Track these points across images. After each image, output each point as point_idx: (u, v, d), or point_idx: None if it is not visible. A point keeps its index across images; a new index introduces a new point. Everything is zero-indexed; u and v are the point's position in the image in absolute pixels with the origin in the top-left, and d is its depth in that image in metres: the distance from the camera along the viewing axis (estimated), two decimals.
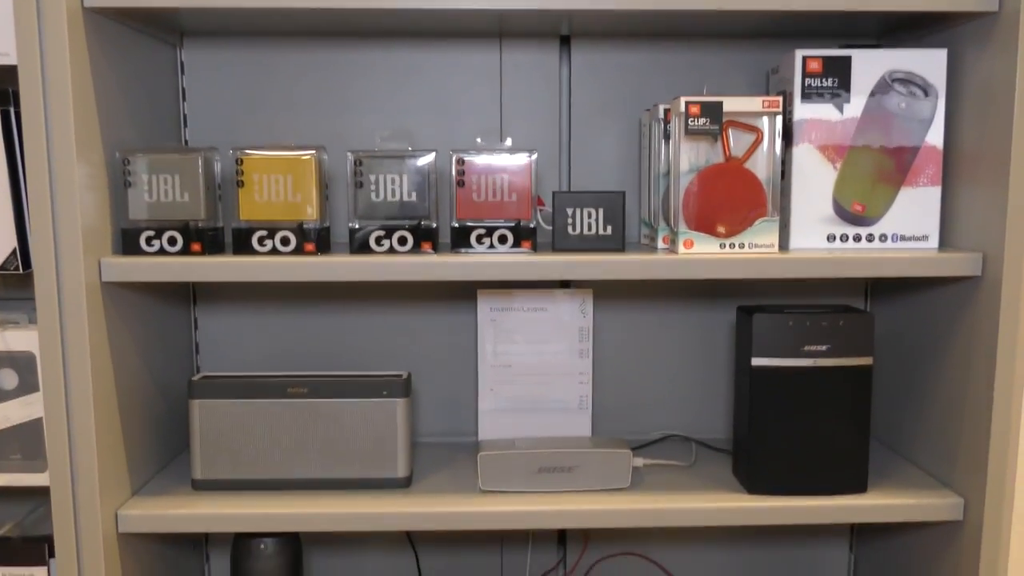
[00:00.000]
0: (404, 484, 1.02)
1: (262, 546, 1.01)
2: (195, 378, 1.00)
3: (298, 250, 0.95)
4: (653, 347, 1.23)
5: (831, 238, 1.02)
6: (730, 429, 1.26)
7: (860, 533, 1.27)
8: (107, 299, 0.93)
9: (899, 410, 1.15)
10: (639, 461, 1.07)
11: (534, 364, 1.14)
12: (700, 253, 0.96)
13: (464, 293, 1.21)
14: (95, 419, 0.90)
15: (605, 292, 1.22)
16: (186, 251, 0.94)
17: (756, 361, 0.98)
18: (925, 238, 1.02)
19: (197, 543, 1.23)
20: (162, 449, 1.10)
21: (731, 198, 0.97)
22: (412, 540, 1.25)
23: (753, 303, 1.04)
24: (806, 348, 0.98)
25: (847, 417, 0.99)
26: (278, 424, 1.00)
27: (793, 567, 1.29)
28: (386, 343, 1.22)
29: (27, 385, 0.95)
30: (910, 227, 1.02)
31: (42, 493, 1.14)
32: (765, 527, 1.28)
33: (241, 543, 1.02)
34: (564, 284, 1.20)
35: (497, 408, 1.15)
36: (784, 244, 1.02)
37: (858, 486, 1.01)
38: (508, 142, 1.19)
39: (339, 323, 1.21)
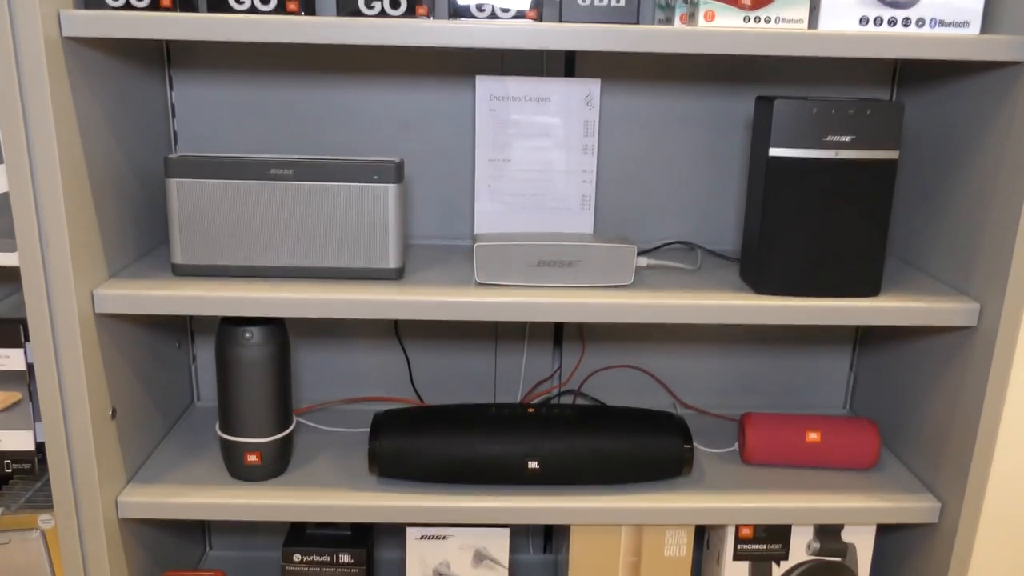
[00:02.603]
0: (395, 276, 0.97)
1: (247, 334, 0.97)
2: (172, 156, 0.93)
3: (280, 9, 0.86)
4: (663, 146, 1.16)
5: (864, 21, 0.93)
6: (740, 240, 1.21)
7: (864, 345, 1.24)
8: (70, 58, 0.85)
9: (915, 218, 1.10)
10: (643, 261, 1.02)
11: (535, 160, 1.07)
12: (722, 26, 0.87)
13: (461, 78, 1.13)
14: (63, 192, 0.84)
15: (614, 81, 1.13)
16: (155, 6, 0.86)
17: (774, 152, 0.92)
18: (966, 24, 0.93)
19: (182, 338, 1.20)
20: (142, 237, 1.04)
21: None
22: (401, 339, 1.22)
23: (772, 95, 0.96)
24: (829, 138, 0.91)
25: (866, 215, 0.93)
26: (261, 208, 0.94)
27: (791, 381, 1.27)
28: (377, 136, 1.15)
29: None
30: (951, 12, 0.93)
31: (17, 276, 1.10)
32: (767, 338, 1.24)
33: (225, 331, 0.98)
34: (569, 72, 1.11)
35: (494, 206, 1.09)
36: (813, 24, 0.93)
37: (871, 289, 0.96)
38: None
39: (327, 110, 1.13)
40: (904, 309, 0.95)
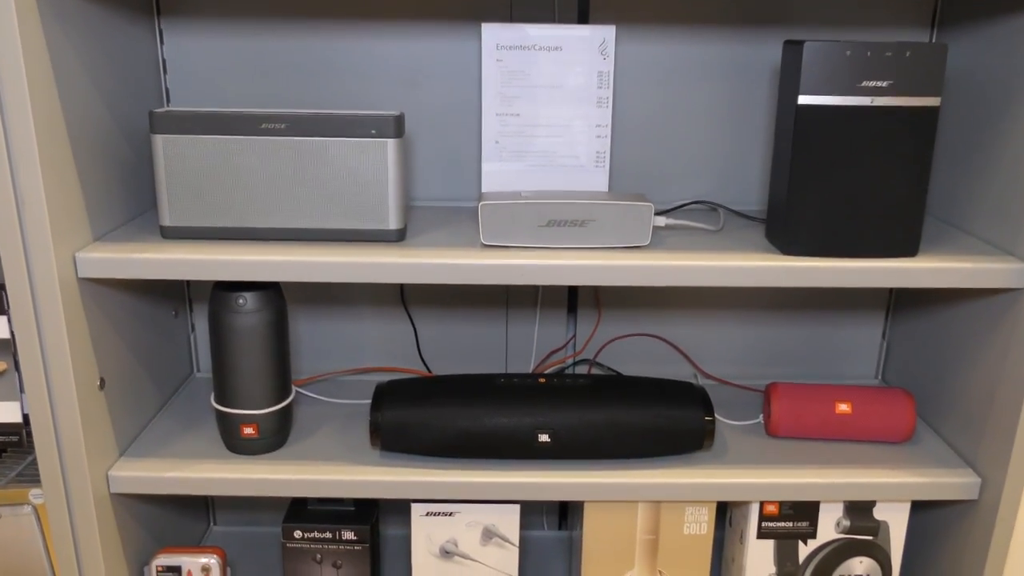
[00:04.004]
0: (396, 238, 0.91)
1: (240, 300, 0.92)
2: (157, 111, 0.87)
3: None
4: (683, 98, 1.09)
5: None
6: (765, 200, 1.14)
7: (898, 311, 1.17)
8: (43, 2, 0.79)
9: (956, 173, 1.02)
10: (660, 221, 0.95)
11: (546, 114, 1.00)
12: None
13: (466, 26, 1.06)
14: (38, 146, 0.78)
15: (630, 26, 1.06)
16: None
17: (803, 100, 0.84)
18: None
19: (180, 307, 1.15)
20: (130, 200, 0.99)
21: None
22: (407, 306, 1.16)
23: (801, 39, 0.88)
24: (864, 84, 0.84)
25: (903, 168, 0.86)
26: (253, 166, 0.88)
27: (819, 351, 1.20)
28: (378, 92, 1.08)
29: None
30: None
31: None
32: (793, 304, 1.17)
33: (218, 297, 0.92)
34: (583, 19, 1.04)
35: (502, 164, 1.02)
36: None
37: (908, 248, 0.89)
38: None
39: (326, 64, 1.07)
40: (944, 270, 0.87)
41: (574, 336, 1.19)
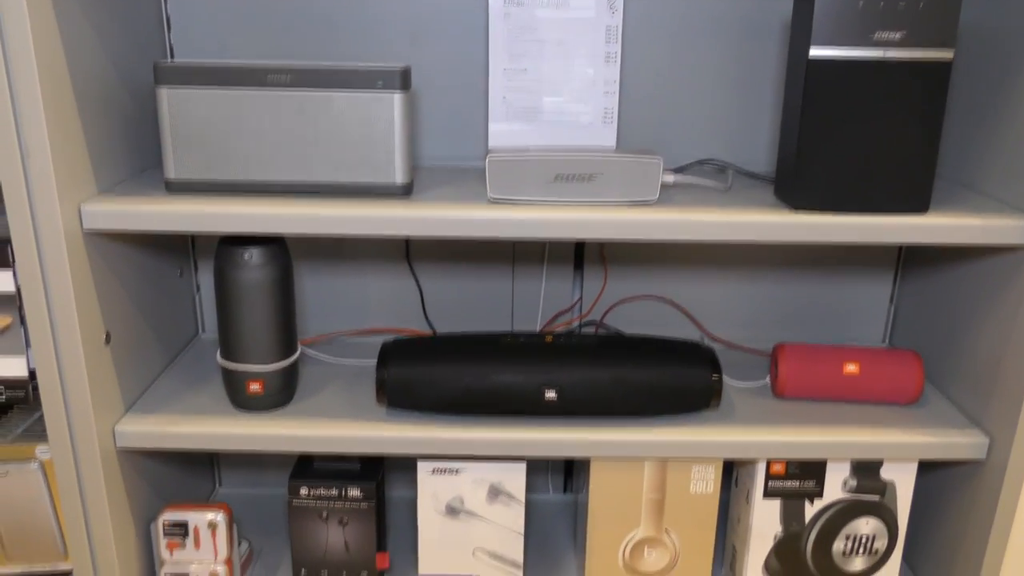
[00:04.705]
0: (402, 193, 0.90)
1: (247, 255, 0.91)
2: (162, 62, 0.87)
3: None
4: (693, 55, 1.08)
5: None
6: (774, 164, 1.13)
7: (906, 272, 1.16)
8: None
9: (967, 132, 1.01)
10: (669, 178, 0.94)
11: (553, 69, 0.99)
12: None
13: None
14: (42, 98, 0.78)
15: None
16: None
17: (815, 52, 0.83)
18: None
19: (185, 266, 1.15)
20: (135, 155, 0.98)
21: None
22: (412, 266, 1.16)
23: None
24: (876, 36, 0.82)
25: (915, 122, 0.85)
26: (258, 119, 0.87)
27: (826, 313, 1.19)
28: (383, 49, 1.07)
29: None
30: None
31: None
32: (801, 264, 1.17)
33: (224, 252, 0.92)
34: None
35: (509, 121, 1.01)
36: None
37: (919, 204, 0.88)
38: None
39: (331, 20, 1.06)
40: (956, 226, 0.87)
41: (580, 299, 1.18)
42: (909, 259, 1.15)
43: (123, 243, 0.95)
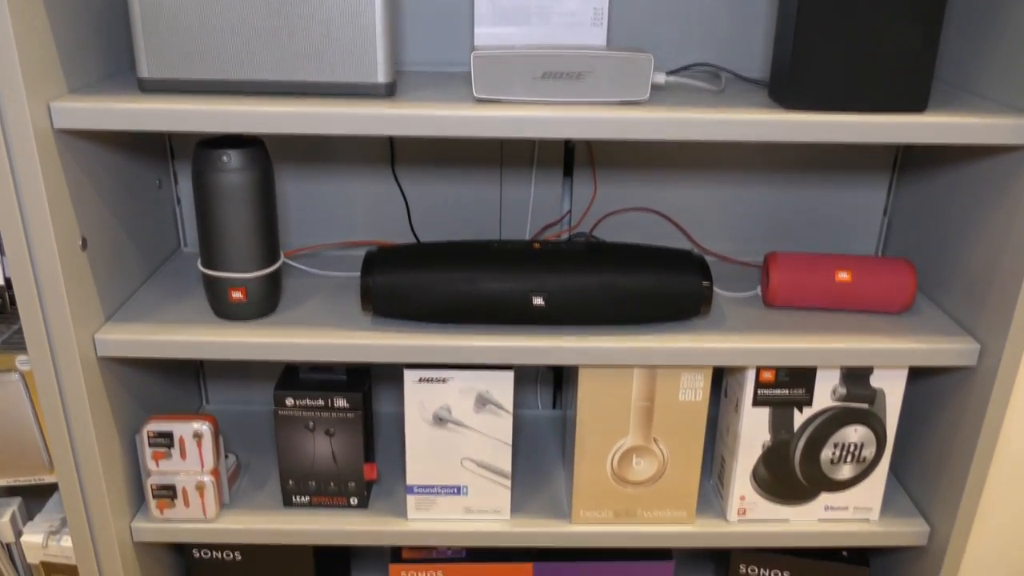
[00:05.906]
0: (385, 92, 0.87)
1: (225, 157, 0.89)
2: None
3: None
4: None
5: None
6: (768, 70, 1.10)
7: (901, 180, 1.14)
8: None
9: (966, 32, 0.98)
10: (660, 77, 0.92)
11: None
12: None
13: None
14: None
15: None
16: None
17: None
18: None
19: (164, 176, 1.12)
20: (107, 56, 0.94)
21: None
22: (397, 175, 1.13)
23: None
24: None
25: (914, 17, 0.82)
26: (234, 12, 0.84)
27: (819, 223, 1.17)
28: None
29: None
30: None
31: None
32: (793, 170, 1.14)
33: (201, 155, 0.89)
34: None
35: (496, 24, 0.98)
36: None
37: (917, 103, 0.86)
38: None
39: None
40: (953, 125, 0.84)
41: (570, 211, 1.16)
42: (905, 166, 1.13)
43: (96, 144, 0.92)
